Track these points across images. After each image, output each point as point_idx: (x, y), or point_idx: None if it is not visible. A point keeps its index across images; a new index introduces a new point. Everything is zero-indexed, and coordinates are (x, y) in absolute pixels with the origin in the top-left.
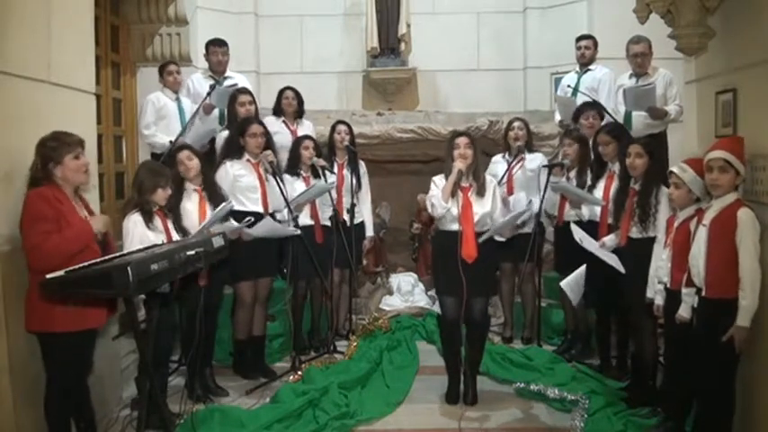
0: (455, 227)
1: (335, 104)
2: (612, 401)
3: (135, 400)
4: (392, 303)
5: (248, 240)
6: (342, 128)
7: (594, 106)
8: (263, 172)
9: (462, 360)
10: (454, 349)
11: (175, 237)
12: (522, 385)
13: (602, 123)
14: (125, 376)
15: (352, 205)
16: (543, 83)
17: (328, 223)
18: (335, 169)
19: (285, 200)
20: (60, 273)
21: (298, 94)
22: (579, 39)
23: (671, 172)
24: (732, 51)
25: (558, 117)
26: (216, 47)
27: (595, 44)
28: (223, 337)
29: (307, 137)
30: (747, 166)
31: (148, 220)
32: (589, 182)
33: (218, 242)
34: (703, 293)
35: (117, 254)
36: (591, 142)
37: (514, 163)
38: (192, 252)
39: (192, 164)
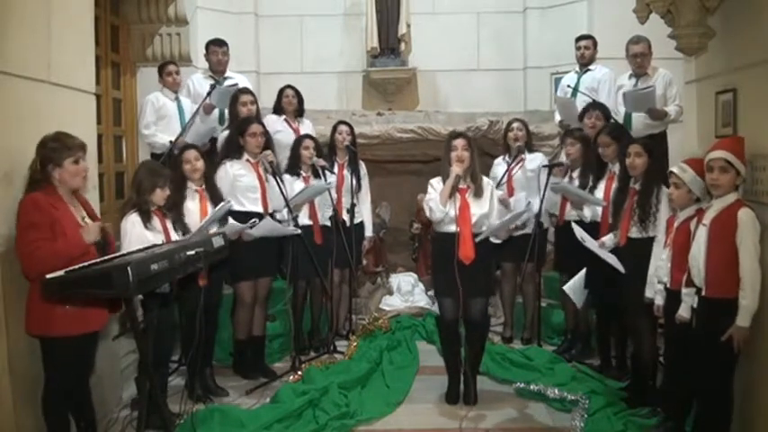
0: (452, 228)
1: (335, 104)
2: (612, 401)
3: (135, 400)
4: (392, 303)
5: (248, 240)
6: (343, 128)
7: (599, 107)
8: (262, 172)
9: (462, 360)
10: (453, 350)
11: (174, 237)
12: (522, 385)
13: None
14: (125, 376)
15: (352, 205)
16: (543, 83)
17: (328, 223)
18: (336, 169)
19: (285, 200)
20: (60, 273)
21: (298, 93)
22: (579, 39)
23: (671, 172)
24: (732, 51)
25: (557, 117)
26: (216, 47)
27: (595, 44)
28: (223, 337)
29: (307, 136)
30: (748, 167)
31: (146, 220)
32: (590, 182)
33: (218, 242)
34: (703, 293)
35: (117, 254)
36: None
37: (514, 164)
38: (192, 252)
39: (199, 164)
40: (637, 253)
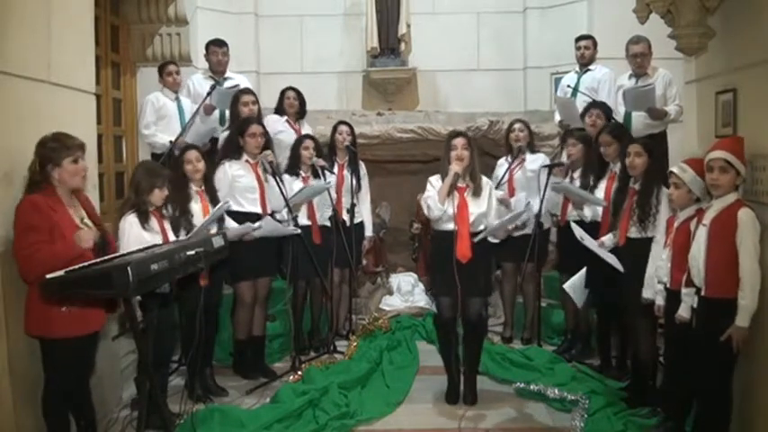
0: (450, 226)
1: (335, 104)
2: (612, 401)
3: (135, 400)
4: (392, 303)
5: (248, 240)
6: (344, 128)
7: (599, 106)
8: (261, 172)
9: (461, 360)
10: (450, 349)
11: (172, 237)
12: (522, 385)
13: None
14: (125, 376)
15: (352, 205)
16: (543, 83)
17: (327, 223)
18: (336, 169)
19: (285, 200)
20: (60, 273)
21: (299, 95)
22: (579, 39)
23: (671, 172)
24: (732, 51)
25: (557, 117)
26: (216, 47)
27: (595, 44)
28: (223, 337)
29: (307, 136)
30: (747, 167)
31: (144, 220)
32: (591, 182)
33: (218, 242)
34: (703, 293)
35: (116, 254)
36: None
37: (515, 164)
38: (192, 252)
39: (200, 165)
40: (636, 253)
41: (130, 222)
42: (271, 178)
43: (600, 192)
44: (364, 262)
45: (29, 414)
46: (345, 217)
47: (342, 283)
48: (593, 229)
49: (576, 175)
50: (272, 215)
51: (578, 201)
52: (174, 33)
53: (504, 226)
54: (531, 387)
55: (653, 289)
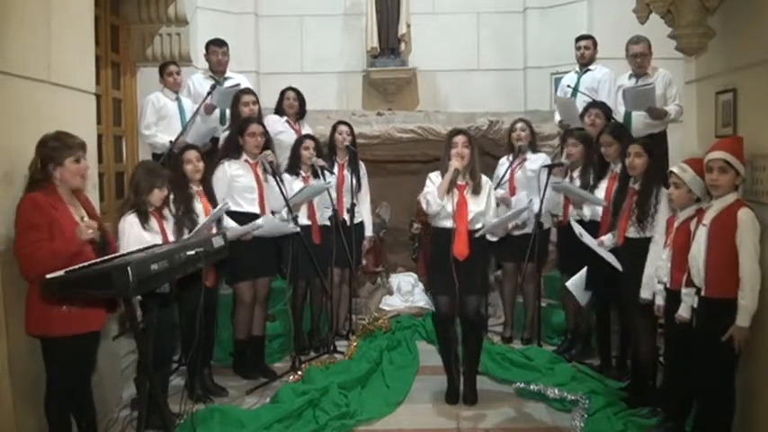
0: (449, 224)
1: (335, 104)
2: (612, 401)
3: (135, 400)
4: (392, 303)
5: (247, 240)
6: (343, 128)
7: (599, 105)
8: (260, 172)
9: (460, 359)
10: (449, 347)
11: (171, 237)
12: (522, 385)
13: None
14: (125, 376)
15: (352, 205)
16: (543, 83)
17: (327, 223)
18: (336, 169)
19: (285, 199)
20: (60, 273)
21: (299, 95)
22: (579, 39)
23: (671, 172)
24: (732, 51)
25: (557, 117)
26: (216, 47)
27: (595, 44)
28: (223, 337)
29: (308, 136)
30: (747, 167)
31: (144, 220)
32: (591, 182)
33: (218, 242)
34: (703, 293)
35: (116, 254)
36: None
37: (516, 163)
38: (192, 252)
39: (200, 165)
40: (634, 253)
41: (130, 222)
42: (271, 178)
43: (601, 192)
44: (364, 262)
45: (29, 414)
46: (345, 217)
47: (342, 283)
48: (593, 228)
49: (576, 174)
50: (271, 215)
51: (578, 200)
52: (174, 33)
53: (503, 223)
54: (531, 387)
55: (651, 289)
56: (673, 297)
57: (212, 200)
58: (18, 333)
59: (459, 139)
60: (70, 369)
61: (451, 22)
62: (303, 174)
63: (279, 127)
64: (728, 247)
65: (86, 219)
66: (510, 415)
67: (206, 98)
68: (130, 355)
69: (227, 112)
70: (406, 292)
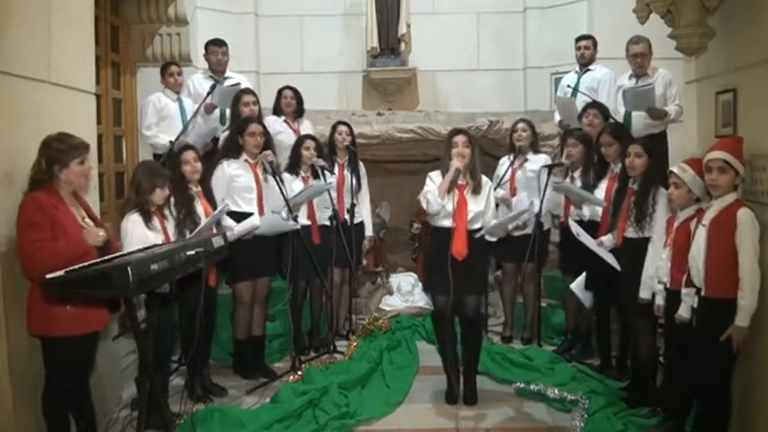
0: (448, 223)
1: (335, 104)
2: (612, 401)
3: (135, 400)
4: (392, 303)
5: (247, 240)
6: (343, 128)
7: (596, 105)
8: (260, 173)
9: (460, 359)
10: (447, 346)
11: (173, 237)
12: (522, 385)
13: (605, 123)
14: (125, 376)
15: (352, 205)
16: (543, 83)
17: (327, 223)
18: (336, 169)
19: (285, 199)
20: (60, 273)
21: (297, 94)
22: (579, 39)
23: (671, 172)
24: (732, 51)
25: (557, 117)
26: (215, 47)
27: (595, 44)
28: (223, 337)
29: (308, 136)
30: (747, 166)
31: (147, 220)
32: (591, 182)
33: (218, 242)
34: (703, 293)
35: (117, 254)
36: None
37: (517, 164)
38: (192, 252)
39: (198, 165)
40: (633, 253)
41: (134, 221)
42: (271, 178)
43: (600, 192)
44: (364, 262)
45: (29, 414)
46: (345, 217)
47: (342, 283)
48: (592, 228)
49: (577, 175)
50: (271, 214)
51: (578, 200)
52: (174, 33)
53: (504, 225)
54: (531, 387)
55: (650, 289)
56: (673, 297)
57: (211, 200)
58: (18, 333)
59: (460, 138)
60: (70, 369)
61: (451, 22)
62: (303, 174)
63: (277, 127)
64: (728, 247)
65: (87, 220)
66: (510, 415)
67: (206, 98)
68: (130, 355)
69: (228, 111)
70: (406, 292)
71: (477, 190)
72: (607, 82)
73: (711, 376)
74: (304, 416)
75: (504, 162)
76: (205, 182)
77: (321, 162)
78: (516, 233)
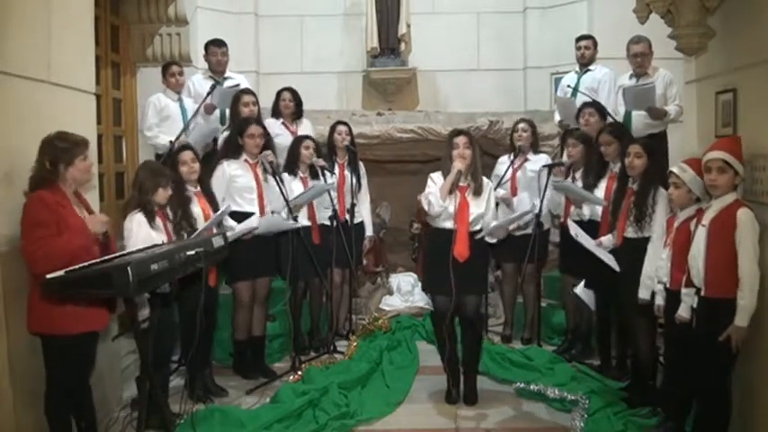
0: (449, 225)
1: (335, 104)
2: (612, 401)
3: (135, 400)
4: (392, 303)
5: (247, 240)
6: (342, 128)
7: (592, 105)
8: (260, 173)
9: (460, 360)
10: (447, 347)
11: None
12: (522, 385)
13: (603, 123)
14: (125, 376)
15: (352, 205)
16: (543, 83)
17: (327, 223)
18: (336, 169)
19: (285, 199)
20: (60, 273)
21: (295, 95)
22: (579, 39)
23: (671, 172)
24: (732, 51)
25: (557, 117)
26: (215, 47)
27: (595, 44)
28: (223, 337)
29: (307, 137)
30: (747, 166)
31: (150, 219)
32: (592, 182)
33: (218, 242)
34: (703, 293)
35: (118, 254)
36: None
37: (517, 164)
38: (192, 252)
39: (196, 165)
40: (633, 253)
41: (138, 221)
42: (271, 178)
43: (600, 191)
44: (364, 262)
45: (29, 413)
46: (346, 217)
47: (342, 283)
48: (592, 228)
49: (578, 175)
50: (271, 215)
51: (578, 200)
52: (174, 33)
53: (505, 226)
54: (531, 387)
55: (649, 289)
56: (673, 297)
57: (212, 200)
58: (18, 332)
59: (461, 139)
60: (70, 368)
61: (451, 22)
62: (301, 174)
63: (275, 130)
64: (728, 247)
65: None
66: (510, 415)
67: (206, 98)
68: (130, 355)
69: (227, 112)
70: (406, 292)
71: (478, 192)
72: (607, 82)
73: (711, 376)
74: (304, 416)
75: (504, 161)
76: (205, 182)
77: (321, 162)
78: (516, 233)
